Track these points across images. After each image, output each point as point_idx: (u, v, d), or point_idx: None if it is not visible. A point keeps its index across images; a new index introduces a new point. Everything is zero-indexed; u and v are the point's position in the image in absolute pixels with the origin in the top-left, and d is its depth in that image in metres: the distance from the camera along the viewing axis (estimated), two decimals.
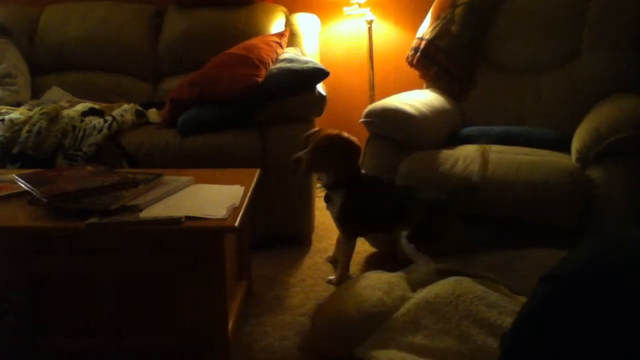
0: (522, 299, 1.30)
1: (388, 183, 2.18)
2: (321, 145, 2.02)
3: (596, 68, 2.45)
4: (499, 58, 2.68)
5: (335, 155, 2.02)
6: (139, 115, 2.64)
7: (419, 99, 2.46)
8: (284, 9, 3.17)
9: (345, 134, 2.08)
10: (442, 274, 1.59)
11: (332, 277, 2.17)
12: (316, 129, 2.12)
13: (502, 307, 1.27)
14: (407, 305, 1.42)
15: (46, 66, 3.10)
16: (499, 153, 2.19)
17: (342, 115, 3.28)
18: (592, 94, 2.38)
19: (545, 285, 0.85)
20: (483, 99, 2.65)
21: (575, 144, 2.11)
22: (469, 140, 2.39)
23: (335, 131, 2.09)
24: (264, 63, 2.59)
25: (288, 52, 2.79)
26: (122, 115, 2.53)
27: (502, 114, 2.57)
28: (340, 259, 2.16)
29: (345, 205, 2.07)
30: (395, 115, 2.26)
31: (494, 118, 2.55)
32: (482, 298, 1.31)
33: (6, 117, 2.46)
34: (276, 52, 2.73)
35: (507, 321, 1.20)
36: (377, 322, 1.46)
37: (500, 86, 2.63)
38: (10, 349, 1.72)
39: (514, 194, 2.03)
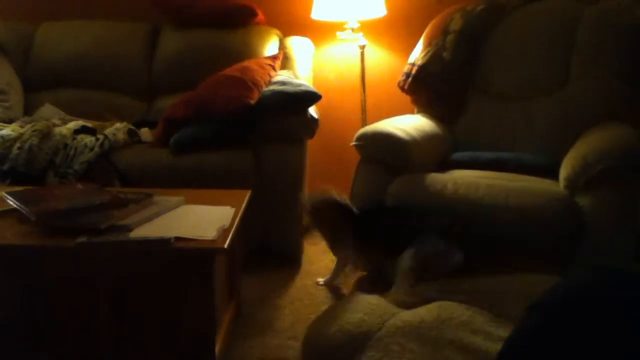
0: (508, 325, 1.30)
1: (389, 209, 2.21)
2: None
3: (585, 95, 2.48)
4: (490, 84, 2.71)
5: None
6: (132, 134, 2.64)
7: (410, 124, 2.48)
8: (278, 32, 3.20)
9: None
10: (427, 298, 1.59)
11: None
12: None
13: (488, 333, 1.27)
14: (391, 324, 1.42)
15: (40, 83, 3.11)
16: (488, 179, 2.21)
17: (335, 138, 3.30)
18: (582, 120, 2.41)
19: (533, 313, 0.86)
20: (474, 124, 2.67)
21: (563, 172, 2.13)
22: (458, 165, 2.42)
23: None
24: (257, 85, 2.61)
25: (281, 75, 2.82)
26: (114, 134, 2.54)
27: (493, 140, 2.60)
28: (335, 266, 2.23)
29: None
30: (387, 140, 2.28)
31: (485, 143, 2.58)
32: (468, 323, 1.31)
33: None
34: (269, 75, 2.75)
35: (493, 347, 1.20)
36: (360, 342, 1.45)
37: (491, 112, 2.67)
38: (9, 357, 1.70)
39: (504, 220, 2.04)
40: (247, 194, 2.03)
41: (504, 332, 1.25)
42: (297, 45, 3.15)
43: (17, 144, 2.38)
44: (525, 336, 0.86)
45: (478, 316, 1.37)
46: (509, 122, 2.63)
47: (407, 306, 1.51)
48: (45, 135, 2.43)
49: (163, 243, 1.58)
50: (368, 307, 1.50)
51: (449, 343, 1.27)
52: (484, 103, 2.70)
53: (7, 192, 1.81)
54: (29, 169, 2.34)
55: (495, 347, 1.16)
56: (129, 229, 1.66)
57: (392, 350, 1.29)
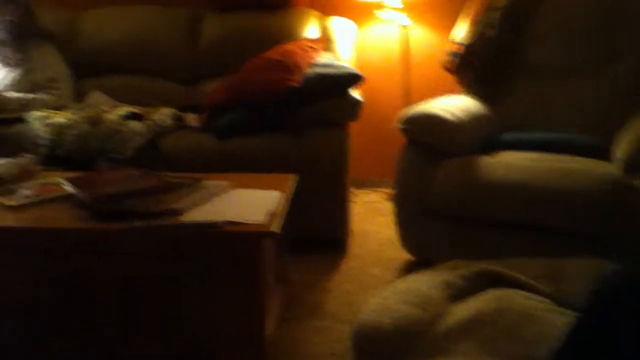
0: (570, 313, 1.27)
1: None
2: None
3: (636, 72, 2.38)
4: (537, 62, 2.63)
5: None
6: (177, 119, 2.68)
7: (456, 105, 2.43)
8: (319, 13, 3.17)
9: None
10: (485, 277, 1.56)
11: None
12: None
13: (549, 323, 1.24)
14: (446, 322, 1.40)
15: (87, 70, 3.17)
16: (537, 161, 2.16)
17: (377, 121, 3.27)
18: (634, 98, 2.32)
19: (599, 300, 0.83)
20: (521, 104, 2.60)
21: (619, 152, 2.05)
22: (506, 146, 2.36)
23: None
24: (299, 68, 2.61)
25: (323, 57, 2.80)
26: (161, 119, 2.58)
27: (541, 120, 2.53)
28: None
29: None
30: (432, 121, 2.24)
31: (532, 124, 2.51)
32: (527, 314, 1.28)
33: (51, 120, 2.53)
34: (311, 57, 2.74)
35: (554, 336, 1.17)
36: (415, 340, 1.44)
37: (539, 91, 2.59)
38: (49, 341, 1.75)
39: (552, 202, 1.99)
40: (294, 178, 2.04)
41: (566, 320, 1.21)
42: (339, 26, 3.12)
43: (70, 131, 2.45)
44: (591, 324, 0.83)
45: (538, 304, 1.33)
46: (556, 101, 2.56)
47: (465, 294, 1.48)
48: (96, 121, 2.49)
49: (214, 227, 1.60)
50: (424, 299, 1.47)
51: (506, 336, 1.24)
52: (531, 82, 2.62)
53: (63, 178, 1.86)
54: (81, 154, 2.40)
55: (559, 336, 1.13)
56: (179, 213, 1.68)
57: (446, 349, 1.27)
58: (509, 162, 2.14)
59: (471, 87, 2.69)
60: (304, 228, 2.51)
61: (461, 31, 2.73)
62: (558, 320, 1.25)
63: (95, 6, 3.32)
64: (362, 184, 3.42)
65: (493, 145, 2.38)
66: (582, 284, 1.39)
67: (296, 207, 2.22)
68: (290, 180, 2.02)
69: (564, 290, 1.41)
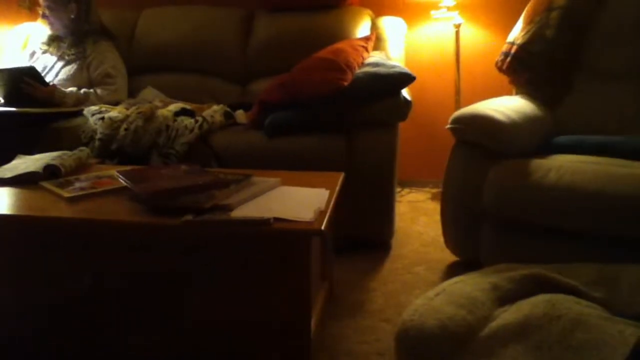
0: (623, 322, 1.23)
1: None
2: None
3: None
4: (597, 63, 2.55)
5: None
6: (228, 116, 2.72)
7: (509, 106, 2.38)
8: (370, 12, 3.17)
9: None
10: (534, 281, 1.52)
11: None
12: None
13: (601, 331, 1.20)
14: (494, 326, 1.37)
15: (142, 67, 3.26)
16: (593, 164, 2.09)
17: (427, 121, 3.24)
18: None
19: None
20: (578, 106, 2.53)
21: None
22: (561, 149, 2.30)
23: None
24: (350, 67, 2.60)
25: (374, 56, 2.79)
26: (211, 116, 2.63)
27: (599, 123, 2.44)
28: None
29: None
30: (485, 122, 2.20)
31: (591, 126, 2.43)
32: (578, 321, 1.24)
33: (106, 115, 2.61)
34: (362, 56, 2.73)
35: (608, 345, 1.14)
36: (460, 342, 1.42)
37: (598, 93, 2.51)
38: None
39: (608, 208, 1.92)
40: (341, 176, 2.04)
41: (619, 329, 1.18)
42: (390, 25, 3.11)
43: (124, 126, 2.52)
44: None
45: (590, 311, 1.29)
46: (617, 103, 2.47)
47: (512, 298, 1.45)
48: (149, 117, 2.55)
49: (263, 223, 1.61)
50: (470, 301, 1.45)
51: (557, 343, 1.21)
52: (590, 83, 2.54)
53: (118, 171, 1.92)
54: (135, 149, 2.47)
55: (611, 343, 1.10)
56: (230, 208, 1.70)
57: (494, 354, 1.25)
58: (563, 165, 2.08)
59: (524, 87, 2.63)
60: (349, 227, 2.51)
61: (516, 31, 2.67)
62: (610, 328, 1.21)
63: (153, 6, 3.41)
64: (406, 184, 3.40)
65: (547, 148, 2.32)
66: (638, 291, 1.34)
67: (343, 205, 2.22)
68: (339, 179, 2.02)
69: (617, 298, 1.36)
